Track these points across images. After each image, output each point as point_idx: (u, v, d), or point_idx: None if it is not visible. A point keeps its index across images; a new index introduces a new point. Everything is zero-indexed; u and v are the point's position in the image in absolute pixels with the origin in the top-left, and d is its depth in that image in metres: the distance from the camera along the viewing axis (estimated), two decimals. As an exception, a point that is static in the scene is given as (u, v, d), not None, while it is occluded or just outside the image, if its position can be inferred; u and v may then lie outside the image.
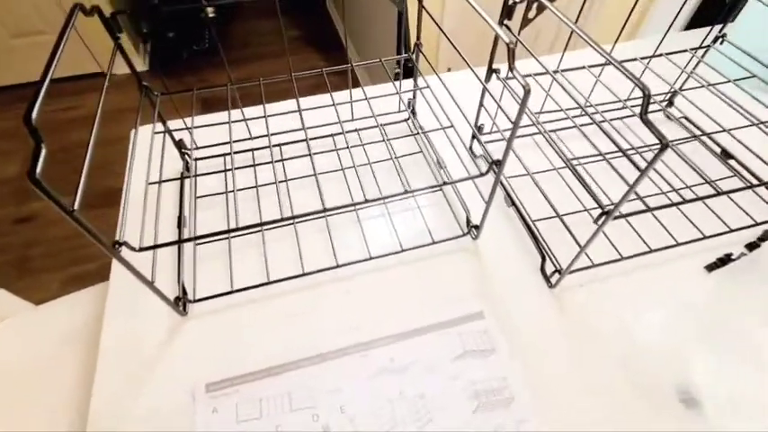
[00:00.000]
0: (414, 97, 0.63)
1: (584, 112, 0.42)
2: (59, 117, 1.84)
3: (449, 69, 1.61)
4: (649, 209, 0.41)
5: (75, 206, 0.29)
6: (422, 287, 0.49)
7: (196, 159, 0.59)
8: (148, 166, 0.44)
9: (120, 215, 0.39)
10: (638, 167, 0.32)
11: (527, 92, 0.33)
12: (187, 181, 0.57)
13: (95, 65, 1.99)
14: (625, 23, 0.51)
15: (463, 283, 0.49)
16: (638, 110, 0.60)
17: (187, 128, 0.53)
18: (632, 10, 0.51)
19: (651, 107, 0.66)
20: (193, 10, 2.09)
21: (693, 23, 1.30)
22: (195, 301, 0.47)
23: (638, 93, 0.63)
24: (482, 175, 0.44)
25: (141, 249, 0.36)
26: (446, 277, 0.49)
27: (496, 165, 0.42)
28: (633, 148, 0.54)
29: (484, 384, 0.41)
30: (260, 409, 0.40)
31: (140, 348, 0.44)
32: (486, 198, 0.47)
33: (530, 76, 0.57)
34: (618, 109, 0.64)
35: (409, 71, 0.70)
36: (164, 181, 0.48)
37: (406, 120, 0.65)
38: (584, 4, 0.48)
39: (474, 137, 0.61)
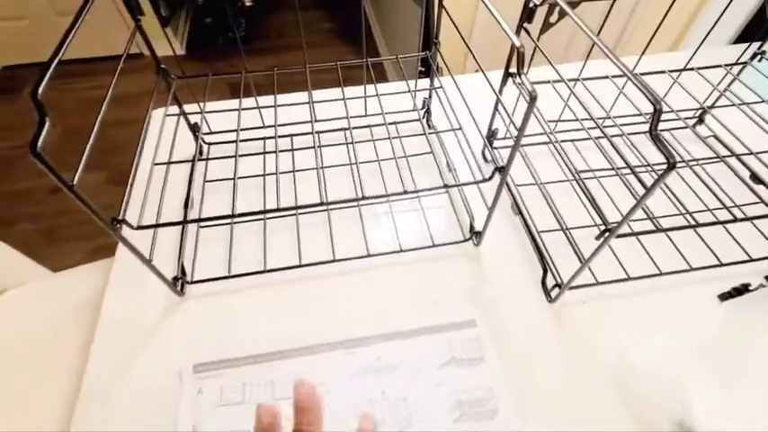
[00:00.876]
0: (429, 97, 0.62)
1: (596, 125, 0.40)
2: (94, 95, 1.92)
3: (476, 71, 1.58)
4: (660, 229, 0.39)
5: (75, 181, 0.30)
6: (417, 289, 0.48)
7: (210, 144, 0.61)
8: (156, 147, 0.45)
9: (125, 193, 0.40)
10: (643, 185, 0.30)
11: (533, 99, 0.32)
12: (198, 164, 0.58)
13: (134, 46, 2.06)
14: (653, 34, 0.49)
15: (459, 290, 0.48)
16: (661, 126, 0.57)
17: (201, 112, 0.54)
18: (662, 21, 0.48)
19: (677, 123, 0.63)
20: (231, -2, 2.14)
21: (744, 38, 1.22)
22: (193, 282, 0.48)
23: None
24: (485, 180, 0.43)
25: (140, 227, 0.37)
26: (443, 282, 0.49)
27: (501, 171, 0.40)
28: (648, 165, 0.52)
29: (468, 394, 0.40)
30: (243, 394, 0.40)
31: (137, 324, 0.45)
32: (489, 204, 0.45)
33: (548, 82, 0.55)
34: (641, 123, 0.61)
35: (427, 70, 0.69)
36: (173, 162, 0.49)
37: (419, 119, 0.65)
38: (608, 13, 0.46)
39: (485, 142, 0.60)
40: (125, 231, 0.37)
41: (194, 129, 0.58)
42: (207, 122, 0.57)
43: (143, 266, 0.40)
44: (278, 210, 0.42)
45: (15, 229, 1.51)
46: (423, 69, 0.68)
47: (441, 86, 0.54)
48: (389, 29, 1.96)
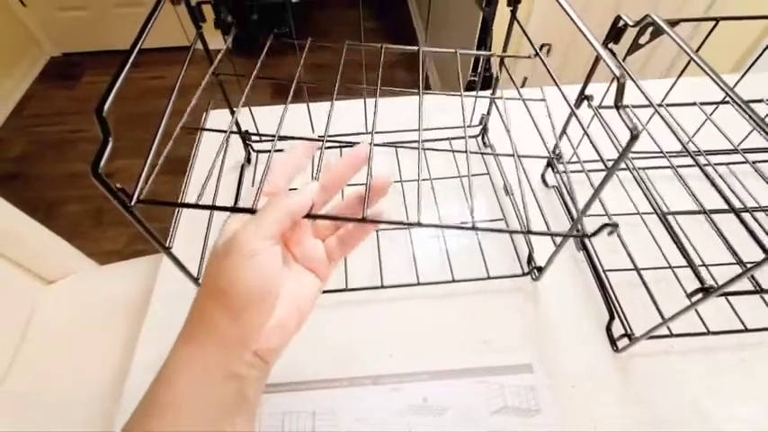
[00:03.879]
0: (488, 114, 0.59)
1: (686, 154, 0.36)
2: (148, 84, 1.98)
3: (525, 79, 1.52)
4: (761, 290, 0.34)
5: (133, 202, 0.29)
6: (467, 324, 0.45)
7: (258, 152, 0.59)
8: (213, 162, 0.44)
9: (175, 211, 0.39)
10: (764, 248, 0.26)
11: (634, 137, 0.28)
12: (247, 171, 0.58)
13: (185, 39, 2.12)
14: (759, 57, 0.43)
15: (514, 329, 0.44)
16: (752, 157, 0.51)
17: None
18: None
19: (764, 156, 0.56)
20: (278, -6, 2.15)
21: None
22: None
23: (754, 140, 0.54)
24: (570, 236, 0.38)
25: (139, 201, 0.34)
26: (496, 318, 0.45)
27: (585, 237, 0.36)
28: (746, 209, 0.46)
29: (523, 450, 0.37)
30: (282, 423, 0.38)
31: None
32: (556, 240, 0.42)
33: (627, 107, 0.50)
34: (724, 153, 0.55)
35: (485, 82, 0.65)
36: (223, 170, 0.48)
37: (475, 136, 0.61)
38: (710, 33, 0.41)
39: (549, 165, 0.56)
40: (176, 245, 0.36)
41: (244, 136, 0.57)
42: (257, 127, 0.56)
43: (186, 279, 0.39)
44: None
45: (63, 210, 1.58)
46: (473, 79, 0.64)
47: (500, 96, 0.50)
48: (437, 30, 1.91)
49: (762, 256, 0.27)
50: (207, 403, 0.23)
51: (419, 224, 0.32)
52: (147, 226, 0.29)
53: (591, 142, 0.40)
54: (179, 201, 0.40)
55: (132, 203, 0.28)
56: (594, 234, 0.35)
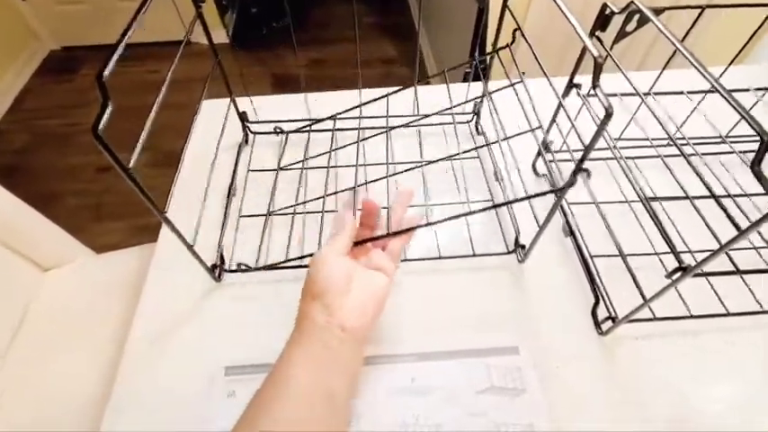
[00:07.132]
0: (480, 101, 0.59)
1: (672, 144, 0.36)
2: (145, 78, 1.98)
3: (523, 74, 1.52)
4: (738, 271, 0.35)
5: (131, 164, 0.29)
6: (456, 303, 0.46)
7: (255, 133, 0.60)
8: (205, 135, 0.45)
9: (174, 176, 0.40)
10: (737, 227, 0.27)
11: (608, 115, 0.29)
12: (243, 152, 0.58)
13: (177, 33, 2.12)
14: (743, 47, 0.44)
15: (502, 310, 0.45)
16: (738, 147, 0.52)
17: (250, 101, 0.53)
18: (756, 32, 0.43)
19: (751, 146, 0.57)
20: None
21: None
22: (231, 271, 0.47)
23: (742, 128, 0.55)
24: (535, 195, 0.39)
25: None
26: (484, 299, 0.46)
27: (557, 192, 0.37)
28: (728, 195, 0.47)
29: (509, 428, 0.37)
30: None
31: (173, 313, 0.45)
32: (540, 221, 0.42)
33: (614, 95, 0.51)
34: (714, 143, 0.56)
35: (481, 72, 0.66)
36: (220, 150, 0.49)
37: (468, 122, 0.62)
38: (696, 21, 0.42)
39: (540, 153, 0.56)
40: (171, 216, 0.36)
41: (242, 117, 0.57)
42: (255, 111, 0.57)
43: (183, 254, 0.40)
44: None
45: (62, 203, 1.59)
46: (469, 71, 0.65)
47: (495, 90, 0.51)
48: (433, 24, 1.91)
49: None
50: (314, 366, 0.32)
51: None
52: (143, 189, 0.30)
53: (573, 127, 0.41)
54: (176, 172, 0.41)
55: (129, 167, 0.28)
56: (568, 185, 0.37)
